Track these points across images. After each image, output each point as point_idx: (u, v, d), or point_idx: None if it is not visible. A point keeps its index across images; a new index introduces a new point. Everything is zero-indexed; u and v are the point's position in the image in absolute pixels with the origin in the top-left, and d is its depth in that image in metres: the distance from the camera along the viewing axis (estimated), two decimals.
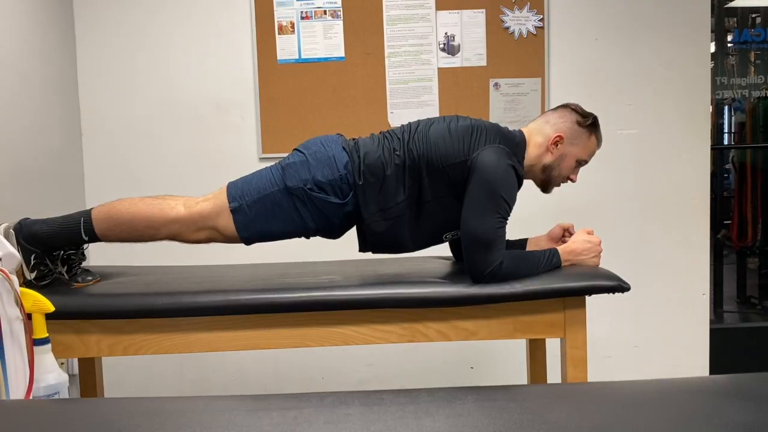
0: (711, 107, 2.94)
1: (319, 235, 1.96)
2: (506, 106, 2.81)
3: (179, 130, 2.82)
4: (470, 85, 2.79)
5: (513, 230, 2.07)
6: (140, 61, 2.81)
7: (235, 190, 1.91)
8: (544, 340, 2.31)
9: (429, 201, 1.90)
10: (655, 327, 2.90)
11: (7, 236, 1.93)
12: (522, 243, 2.15)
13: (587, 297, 1.84)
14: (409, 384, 2.91)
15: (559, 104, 2.06)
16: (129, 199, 1.95)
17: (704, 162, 2.89)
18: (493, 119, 2.79)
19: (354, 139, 1.97)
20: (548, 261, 1.89)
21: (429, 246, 2.01)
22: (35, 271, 1.94)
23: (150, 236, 1.92)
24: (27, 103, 2.46)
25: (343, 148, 1.91)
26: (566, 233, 2.14)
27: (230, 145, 2.82)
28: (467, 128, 1.92)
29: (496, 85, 2.80)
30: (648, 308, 2.89)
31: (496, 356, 2.91)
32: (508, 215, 1.85)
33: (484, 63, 2.79)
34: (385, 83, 2.79)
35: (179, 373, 2.89)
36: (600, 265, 1.97)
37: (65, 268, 2.02)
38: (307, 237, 1.96)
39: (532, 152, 1.99)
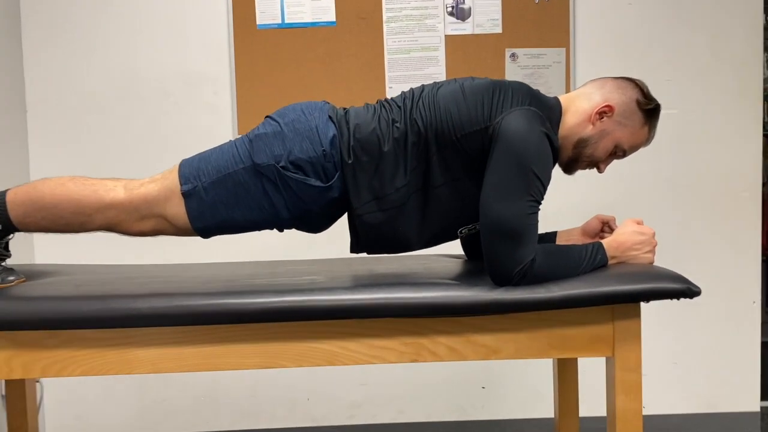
0: (763, 86, 2.53)
1: (295, 228, 1.55)
2: (523, 80, 2.39)
3: (141, 107, 2.41)
4: (483, 55, 2.38)
5: None
6: (95, 28, 2.40)
7: (188, 169, 1.49)
8: (575, 358, 1.89)
9: (440, 185, 1.49)
10: (698, 340, 2.48)
11: None
12: (550, 237, 1.74)
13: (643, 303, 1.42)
14: (409, 409, 2.48)
15: (623, 76, 1.65)
16: (56, 178, 1.53)
17: (755, 149, 2.48)
18: None
19: (344, 109, 1.56)
20: (592, 257, 1.47)
21: (439, 243, 1.60)
22: None
23: (80, 225, 1.50)
24: None
25: (330, 117, 1.50)
26: (606, 227, 1.74)
27: (201, 125, 2.41)
28: (487, 87, 1.51)
29: (513, 56, 2.39)
30: (688, 318, 2.48)
31: (511, 374, 2.48)
32: (542, 197, 1.44)
33: (499, 30, 2.39)
34: (383, 53, 2.38)
35: (140, 391, 2.46)
36: (655, 263, 1.56)
37: None
38: (280, 229, 1.55)
39: (569, 120, 1.58)
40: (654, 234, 1.55)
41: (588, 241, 1.74)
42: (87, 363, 1.42)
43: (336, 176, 1.47)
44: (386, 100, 1.57)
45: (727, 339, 2.49)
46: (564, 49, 2.40)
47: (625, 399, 1.44)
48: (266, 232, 1.57)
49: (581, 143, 1.58)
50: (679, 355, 2.48)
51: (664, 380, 2.48)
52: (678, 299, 1.39)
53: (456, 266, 1.68)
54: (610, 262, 1.51)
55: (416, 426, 2.46)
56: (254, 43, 2.37)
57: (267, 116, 1.55)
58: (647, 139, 1.63)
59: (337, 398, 2.46)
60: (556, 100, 1.60)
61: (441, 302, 1.38)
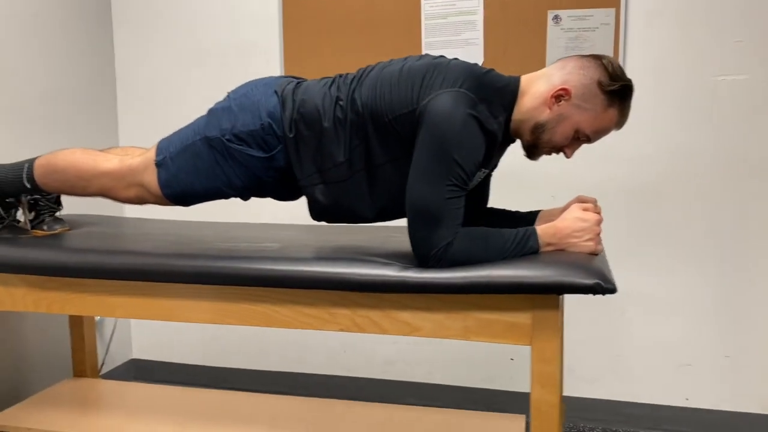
0: None
1: (259, 196, 1.67)
2: (568, 44, 2.26)
3: (204, 77, 2.64)
4: (523, 18, 2.28)
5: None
6: (168, 8, 2.65)
7: (164, 143, 1.67)
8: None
9: (382, 164, 1.52)
10: (756, 333, 2.24)
11: None
12: (531, 217, 1.70)
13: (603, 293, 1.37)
14: (437, 371, 2.55)
15: (592, 53, 1.54)
16: (71, 149, 1.80)
17: None
18: (548, 63, 2.26)
19: (299, 83, 1.63)
20: (520, 243, 1.43)
21: (395, 218, 1.63)
22: None
23: (82, 189, 1.75)
24: (65, 53, 2.45)
25: (275, 92, 1.58)
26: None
27: None
28: (423, 68, 1.49)
29: (556, 18, 2.26)
30: (747, 308, 2.23)
31: None
32: (467, 182, 1.42)
33: None
34: (419, 18, 2.37)
35: (205, 341, 2.78)
36: (602, 252, 1.48)
37: (32, 214, 1.95)
38: (243, 198, 1.68)
39: (526, 103, 1.51)
40: (599, 221, 1.45)
41: None
42: (73, 304, 1.68)
43: (278, 148, 1.55)
44: (343, 75, 1.61)
45: None
46: (614, 10, 2.21)
47: (542, 390, 1.41)
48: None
49: (538, 128, 1.51)
50: (731, 346, 2.26)
51: (712, 371, 2.28)
52: (589, 294, 1.32)
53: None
54: (546, 249, 1.46)
55: (445, 388, 2.52)
56: (300, 14, 2.47)
57: (228, 92, 1.68)
58: (616, 123, 1.51)
59: (373, 352, 2.59)
60: (513, 81, 1.53)
61: (361, 279, 1.44)
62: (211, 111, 1.62)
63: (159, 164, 1.64)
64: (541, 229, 1.46)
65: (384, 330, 1.49)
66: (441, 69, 1.47)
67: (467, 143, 1.40)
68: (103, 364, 2.56)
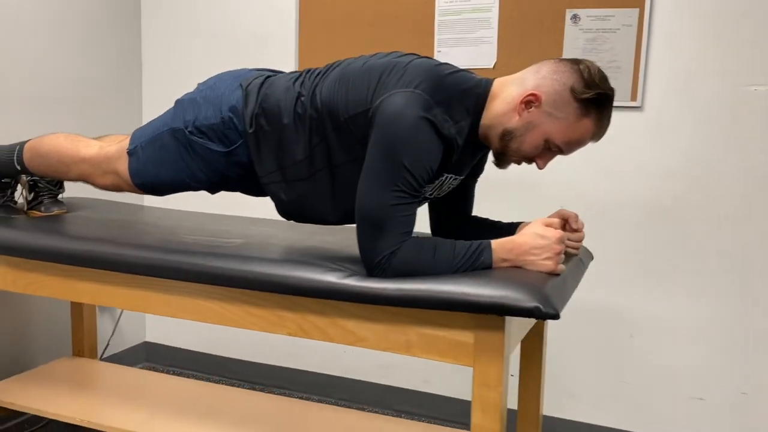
0: None
1: (225, 189, 1.65)
2: (585, 46, 2.11)
3: (227, 66, 2.65)
4: (540, 16, 2.15)
5: None
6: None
7: (137, 132, 1.67)
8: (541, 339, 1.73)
9: (343, 164, 1.46)
10: None
11: None
12: (512, 228, 1.59)
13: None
14: (433, 380, 2.46)
15: (574, 57, 1.43)
16: (57, 134, 1.82)
17: None
18: None
19: (269, 77, 1.58)
20: (471, 257, 1.34)
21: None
22: None
23: (63, 173, 1.78)
24: (95, 43, 2.52)
25: (240, 85, 1.54)
26: (567, 226, 1.54)
27: None
28: (382, 66, 1.42)
29: (574, 17, 2.12)
30: None
31: (547, 369, 2.31)
32: (417, 189, 1.33)
33: None
34: (433, 14, 2.28)
35: (217, 331, 2.79)
36: (563, 270, 1.36)
37: (31, 195, 2.00)
38: (210, 191, 1.66)
39: (496, 107, 1.42)
40: (560, 238, 1.34)
41: None
42: (46, 286, 1.71)
43: (238, 143, 1.52)
44: (311, 70, 1.55)
45: None
46: (637, 10, 2.04)
47: (483, 416, 1.31)
48: None
49: (506, 135, 1.41)
50: (750, 383, 2.06)
51: (725, 408, 2.09)
52: (530, 317, 1.21)
53: None
54: (502, 264, 1.36)
55: (440, 398, 2.44)
56: (315, 7, 2.44)
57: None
58: (592, 134, 1.39)
59: (371, 356, 2.53)
60: (484, 84, 1.43)
61: (303, 284, 1.38)
62: (178, 102, 1.61)
63: (130, 153, 1.64)
64: (497, 243, 1.36)
65: (329, 337, 1.43)
66: (399, 68, 1.39)
67: (417, 147, 1.31)
68: (107, 345, 2.61)
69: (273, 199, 1.56)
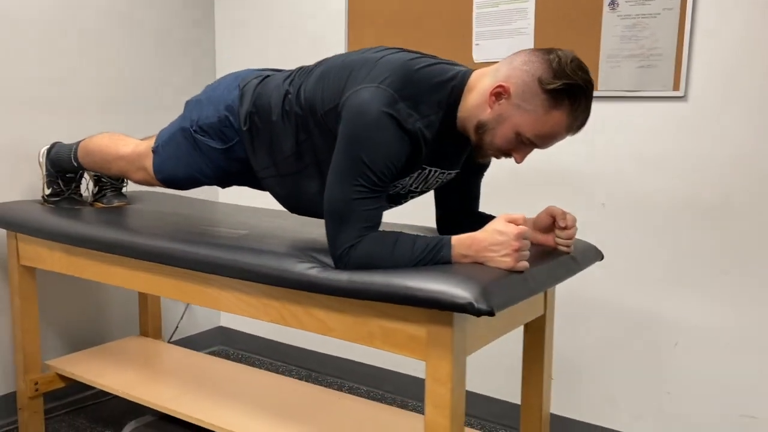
0: None
1: (234, 184, 1.75)
2: (624, 33, 1.99)
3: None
4: (576, 3, 2.05)
5: None
6: (262, 6, 2.82)
7: (162, 131, 1.82)
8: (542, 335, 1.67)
9: (327, 159, 1.50)
10: None
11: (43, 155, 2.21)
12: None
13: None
14: (475, 380, 2.41)
15: (549, 47, 1.38)
16: (104, 134, 2.01)
17: None
18: (603, 53, 2.02)
19: (267, 76, 1.66)
20: (431, 252, 1.34)
21: None
22: (50, 189, 2.18)
23: (106, 169, 1.96)
24: (173, 52, 2.74)
25: (239, 85, 1.63)
26: (557, 223, 1.49)
27: None
28: (355, 62, 1.44)
29: (612, 3, 2.00)
30: None
31: (586, 371, 2.20)
32: (379, 184, 1.35)
33: None
34: (471, 7, 2.24)
35: None
36: (527, 268, 1.32)
37: (96, 188, 2.23)
38: (220, 185, 1.76)
39: (471, 99, 1.40)
40: (519, 235, 1.29)
41: (539, 235, 1.54)
42: (87, 269, 1.90)
43: (235, 140, 1.61)
44: (302, 68, 1.60)
45: None
46: None
47: (434, 411, 1.31)
48: None
49: (480, 128, 1.39)
50: None
51: None
52: (465, 312, 1.18)
53: None
54: (462, 260, 1.34)
55: (471, 396, 2.40)
56: (363, 8, 2.48)
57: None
58: (566, 127, 1.33)
59: None
60: (461, 75, 1.42)
61: (278, 274, 1.43)
62: (187, 103, 1.73)
63: (154, 151, 1.79)
64: (457, 239, 1.34)
65: (303, 326, 1.49)
66: (370, 64, 1.41)
67: (376, 142, 1.32)
68: (176, 327, 2.83)
69: (271, 192, 1.64)
